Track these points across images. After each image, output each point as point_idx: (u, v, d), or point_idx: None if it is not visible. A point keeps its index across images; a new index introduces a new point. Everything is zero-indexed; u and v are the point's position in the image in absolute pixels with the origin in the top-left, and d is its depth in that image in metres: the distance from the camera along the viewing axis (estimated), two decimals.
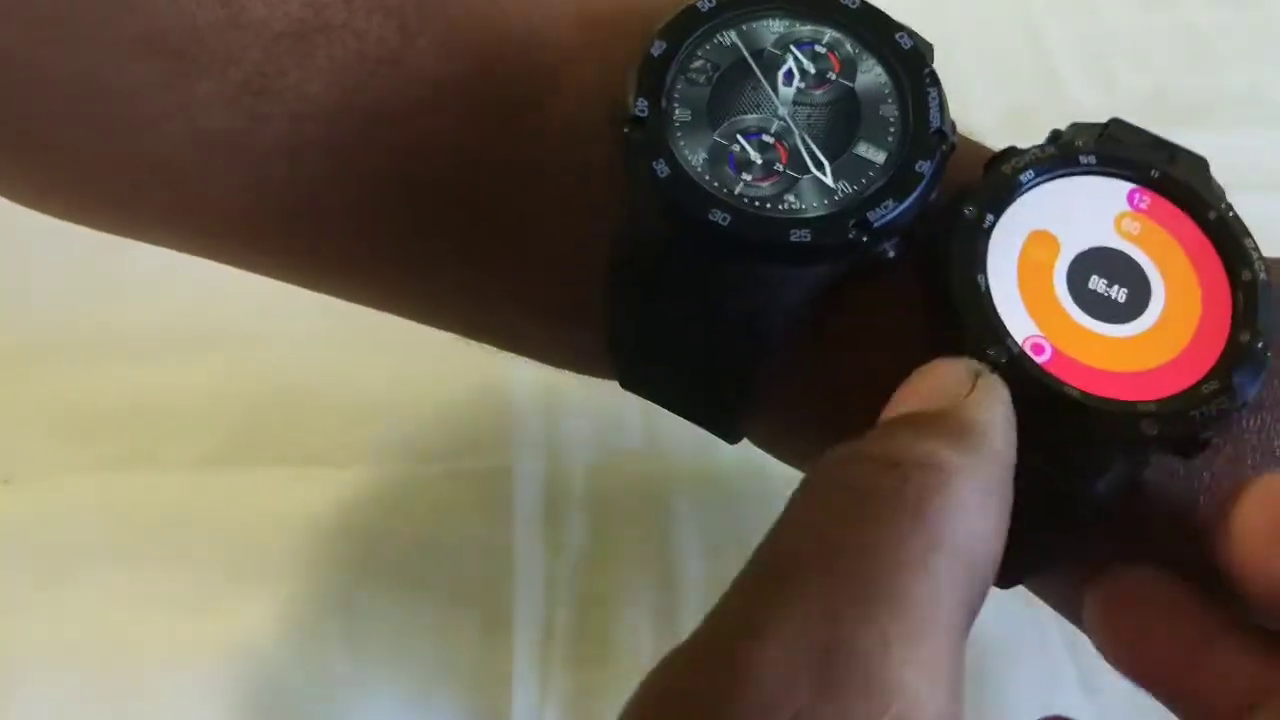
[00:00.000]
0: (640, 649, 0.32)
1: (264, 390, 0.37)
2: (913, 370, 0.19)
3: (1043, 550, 0.21)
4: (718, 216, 0.20)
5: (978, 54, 0.46)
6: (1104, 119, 0.43)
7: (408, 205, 0.23)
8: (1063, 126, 0.43)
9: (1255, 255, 0.21)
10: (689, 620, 0.32)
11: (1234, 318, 0.20)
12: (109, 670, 0.32)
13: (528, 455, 0.36)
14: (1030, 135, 0.44)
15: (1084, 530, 0.20)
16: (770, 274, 0.20)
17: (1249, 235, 0.21)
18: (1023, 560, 0.19)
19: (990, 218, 0.21)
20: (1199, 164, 0.22)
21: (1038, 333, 0.20)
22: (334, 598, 0.33)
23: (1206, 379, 0.20)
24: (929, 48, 0.22)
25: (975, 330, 0.20)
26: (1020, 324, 0.20)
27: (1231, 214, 0.21)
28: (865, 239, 0.20)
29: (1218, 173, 0.43)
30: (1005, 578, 0.21)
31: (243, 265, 0.27)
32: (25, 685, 0.31)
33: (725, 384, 0.22)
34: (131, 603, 0.33)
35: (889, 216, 0.20)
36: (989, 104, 0.44)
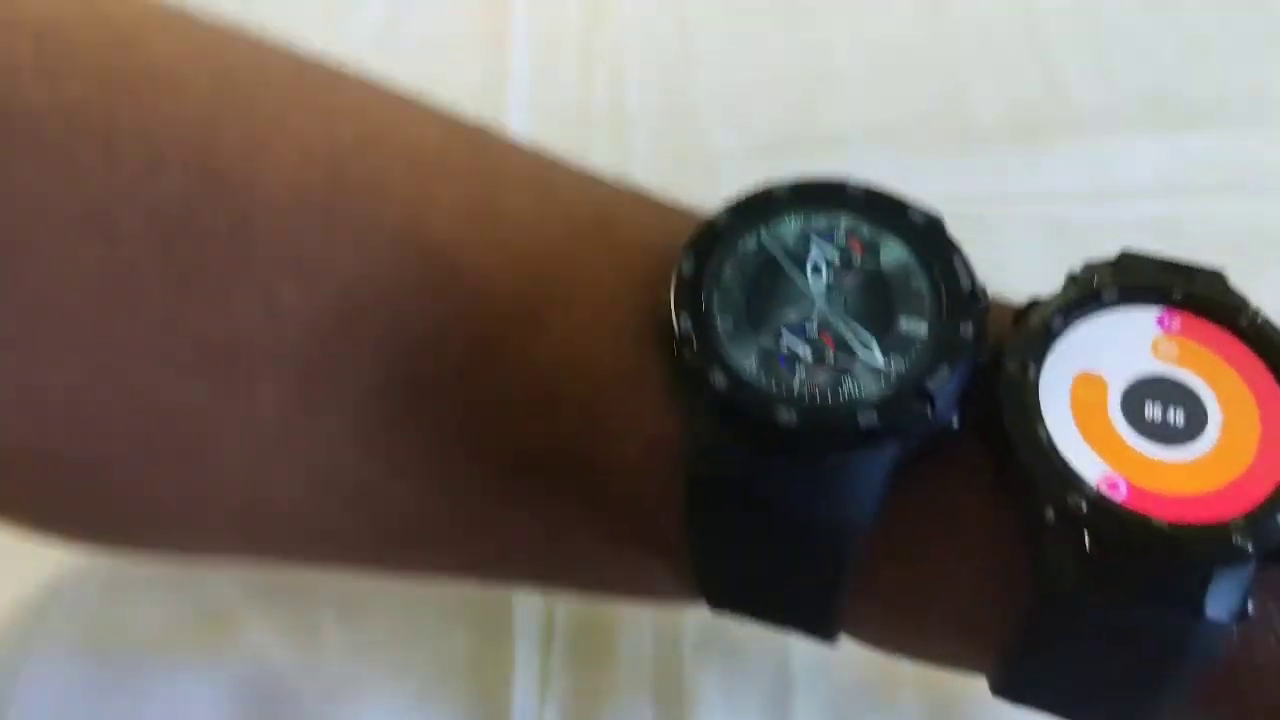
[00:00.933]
0: (641, 649, 0.32)
1: None
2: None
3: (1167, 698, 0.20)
4: (784, 415, 0.20)
5: (978, 54, 0.46)
6: (1104, 119, 0.44)
7: (476, 464, 0.23)
8: (1062, 126, 0.44)
9: None
10: (690, 619, 0.32)
11: None
12: (110, 670, 0.32)
13: None
14: (1031, 135, 0.44)
15: (1203, 666, 0.20)
16: (843, 464, 0.20)
17: None
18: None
19: (1033, 368, 0.21)
20: (1216, 278, 0.22)
21: (1109, 471, 0.20)
22: (334, 597, 0.33)
23: None
24: (940, 217, 0.22)
25: (1049, 481, 0.20)
26: (1089, 466, 0.20)
27: (1261, 319, 0.22)
28: (930, 410, 0.20)
29: (1219, 172, 0.43)
30: None
31: (307, 562, 0.26)
32: (27, 685, 0.31)
33: (815, 585, 0.22)
34: (131, 602, 0.33)
35: (947, 384, 0.20)
36: (989, 104, 0.44)
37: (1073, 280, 0.22)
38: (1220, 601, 0.19)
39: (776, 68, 0.46)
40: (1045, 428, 0.20)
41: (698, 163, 0.44)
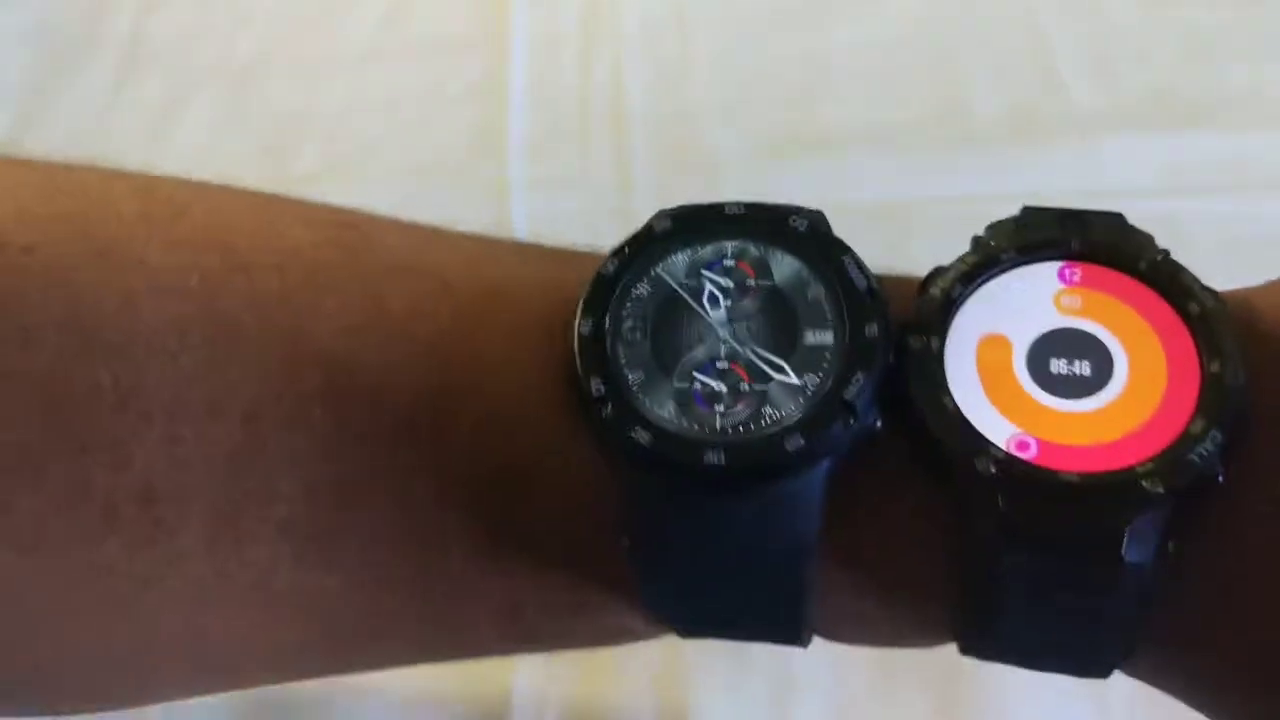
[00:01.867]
0: (641, 649, 0.32)
1: None
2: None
3: (1120, 638, 0.21)
4: (711, 458, 0.20)
5: (978, 54, 0.46)
6: (1105, 119, 0.44)
7: (416, 553, 0.23)
8: (1062, 126, 0.44)
9: (1198, 287, 0.21)
10: None
11: (1199, 353, 0.21)
12: None
13: None
14: (1031, 135, 0.44)
15: (1140, 610, 0.20)
16: (779, 491, 0.20)
17: (1185, 271, 0.21)
18: (1105, 657, 0.20)
19: (935, 340, 0.21)
20: (1115, 219, 0.22)
21: (1017, 431, 0.20)
22: None
23: (1192, 420, 0.20)
24: (821, 216, 0.22)
25: (956, 448, 0.20)
26: (998, 428, 0.20)
27: (1162, 257, 0.22)
28: (853, 419, 0.20)
29: (1219, 172, 0.43)
30: (1097, 670, 0.22)
31: (264, 680, 0.26)
32: None
33: (777, 605, 0.22)
34: None
35: (864, 389, 0.20)
36: (989, 104, 0.44)
37: (976, 243, 0.23)
38: (1139, 546, 0.19)
39: (776, 68, 0.46)
40: (951, 396, 0.20)
41: (698, 163, 0.44)
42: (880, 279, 0.21)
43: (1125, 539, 0.19)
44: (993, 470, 0.20)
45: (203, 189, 0.24)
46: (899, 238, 0.41)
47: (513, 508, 0.22)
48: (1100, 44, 0.46)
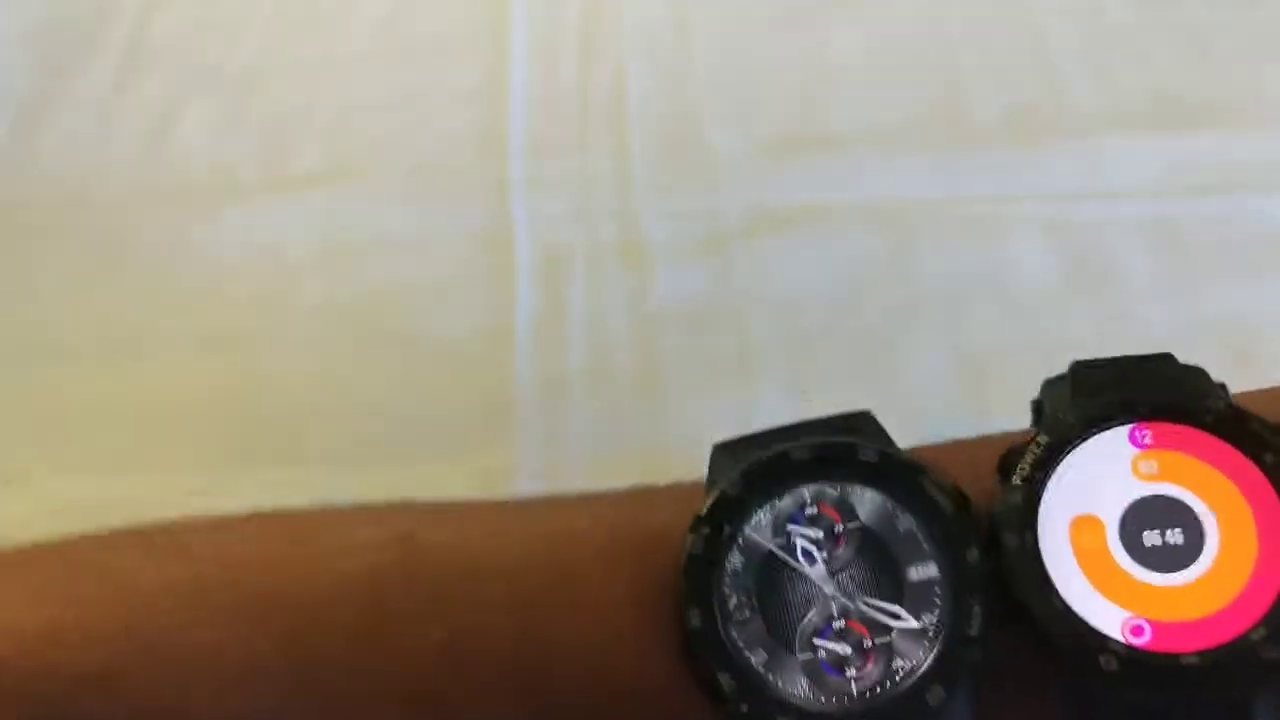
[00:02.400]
0: None
1: (264, 391, 0.37)
2: None
3: None
4: None
5: (978, 54, 0.46)
6: (1104, 119, 0.44)
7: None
8: (1062, 126, 0.44)
9: (1268, 434, 0.21)
10: None
11: None
12: None
13: (530, 452, 0.36)
14: (1031, 135, 0.44)
15: None
16: None
17: (1251, 418, 0.21)
18: None
19: (1029, 535, 0.21)
20: (1166, 364, 0.22)
21: (1129, 615, 0.20)
22: None
23: None
24: (891, 446, 0.22)
25: (1075, 648, 0.20)
26: (1109, 617, 0.20)
27: (1224, 404, 0.21)
28: (983, 653, 0.20)
29: (1218, 172, 0.43)
30: None
31: None
32: None
33: None
34: None
35: (984, 620, 0.20)
36: (989, 104, 0.44)
37: (1038, 414, 0.23)
38: (1265, 713, 0.19)
39: (776, 68, 0.46)
40: (1057, 592, 0.20)
41: (698, 163, 0.44)
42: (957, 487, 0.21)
43: (1255, 709, 0.19)
44: (1116, 667, 0.19)
45: (237, 540, 0.23)
46: (899, 238, 0.41)
47: None
48: (1100, 44, 0.46)
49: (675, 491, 0.23)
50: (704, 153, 0.44)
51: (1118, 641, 0.20)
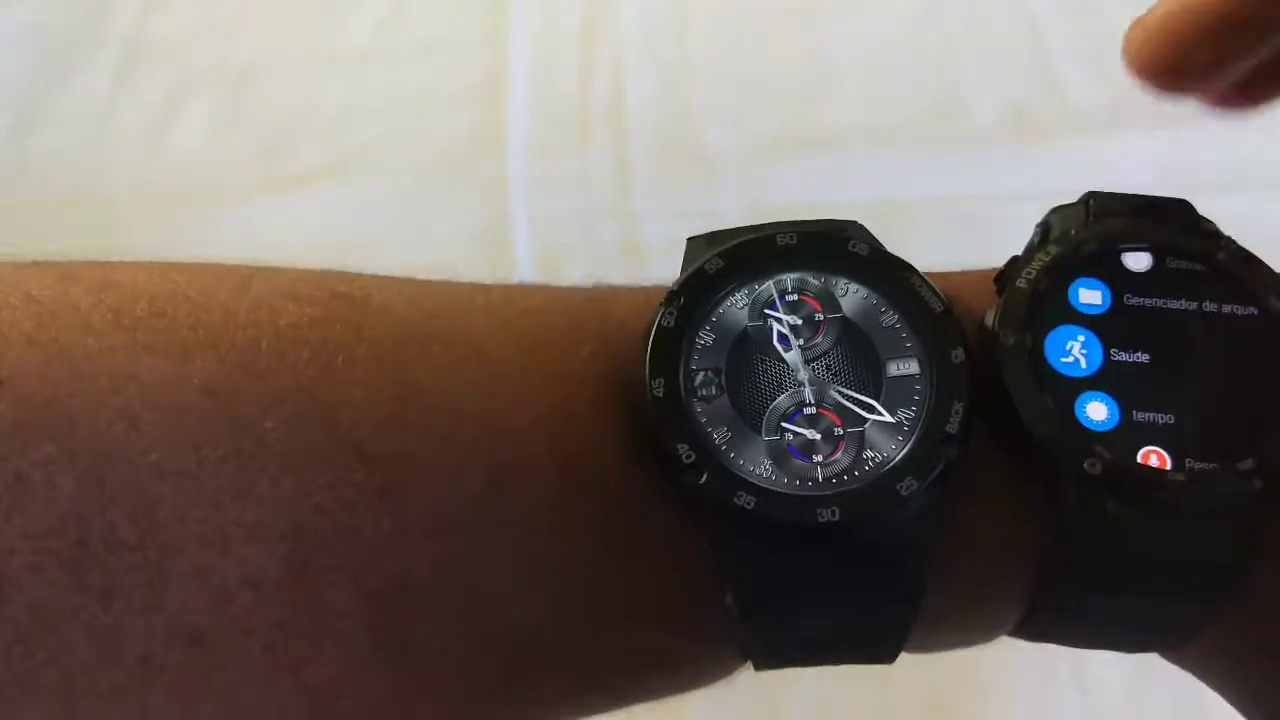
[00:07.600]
0: None
1: None
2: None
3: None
4: (825, 515, 0.19)
5: (978, 53, 0.46)
6: (1103, 118, 0.44)
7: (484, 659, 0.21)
8: (1062, 126, 0.44)
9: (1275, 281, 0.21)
10: None
11: None
12: None
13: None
14: (1031, 135, 0.44)
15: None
16: (895, 535, 0.20)
17: (1263, 263, 0.22)
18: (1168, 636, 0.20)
19: (1028, 335, 0.20)
20: (1183, 208, 0.22)
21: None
22: None
23: None
24: (867, 232, 0.22)
25: (1062, 449, 0.20)
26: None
27: (1235, 246, 0.22)
28: (959, 450, 0.19)
29: (1218, 172, 0.43)
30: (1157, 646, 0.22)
31: None
32: None
33: (884, 632, 0.21)
34: None
35: (964, 419, 0.20)
36: (989, 104, 0.44)
37: (1045, 229, 0.22)
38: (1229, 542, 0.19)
39: (776, 68, 0.46)
40: (1051, 395, 0.20)
41: (698, 163, 0.44)
42: (947, 298, 0.21)
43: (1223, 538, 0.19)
44: (1100, 471, 0.19)
45: (165, 273, 0.21)
46: (899, 237, 0.41)
47: (602, 579, 0.20)
48: (1100, 44, 0.46)
49: (638, 290, 0.22)
50: (703, 153, 0.44)
51: (1104, 449, 0.20)
